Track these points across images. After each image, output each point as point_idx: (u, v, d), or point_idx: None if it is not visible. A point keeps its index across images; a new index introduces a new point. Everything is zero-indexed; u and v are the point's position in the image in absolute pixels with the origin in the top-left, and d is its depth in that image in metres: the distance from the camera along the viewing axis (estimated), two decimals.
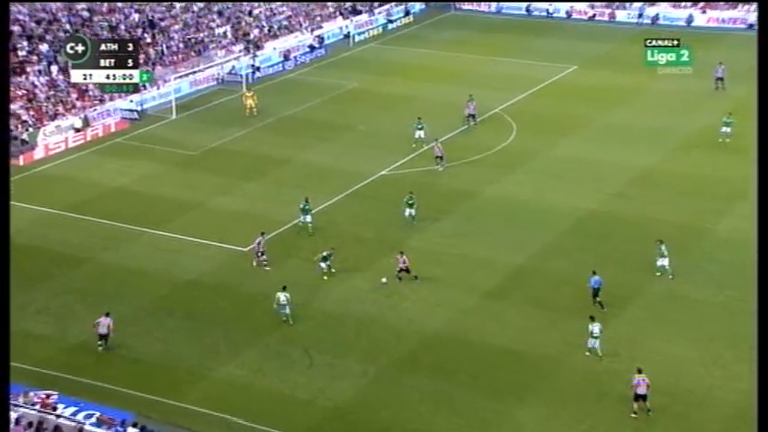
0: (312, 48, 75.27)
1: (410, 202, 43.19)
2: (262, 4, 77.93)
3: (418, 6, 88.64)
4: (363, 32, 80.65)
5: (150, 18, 68.77)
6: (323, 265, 38.91)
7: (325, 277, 38.55)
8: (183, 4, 72.93)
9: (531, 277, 39.06)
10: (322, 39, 77.06)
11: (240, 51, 70.18)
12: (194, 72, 65.95)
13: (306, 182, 48.68)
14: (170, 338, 34.78)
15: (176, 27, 69.90)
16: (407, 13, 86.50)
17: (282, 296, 35.78)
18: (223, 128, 57.46)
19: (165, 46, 67.03)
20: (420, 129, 53.59)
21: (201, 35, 70.54)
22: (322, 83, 67.41)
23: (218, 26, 72.67)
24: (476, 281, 38.56)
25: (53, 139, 54.51)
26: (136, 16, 68.16)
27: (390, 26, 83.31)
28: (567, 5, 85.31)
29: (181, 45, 68.35)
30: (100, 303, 35.24)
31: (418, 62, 72.70)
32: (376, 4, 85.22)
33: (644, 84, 63.03)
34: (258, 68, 69.41)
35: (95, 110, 58.84)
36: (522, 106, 61.54)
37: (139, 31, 67.08)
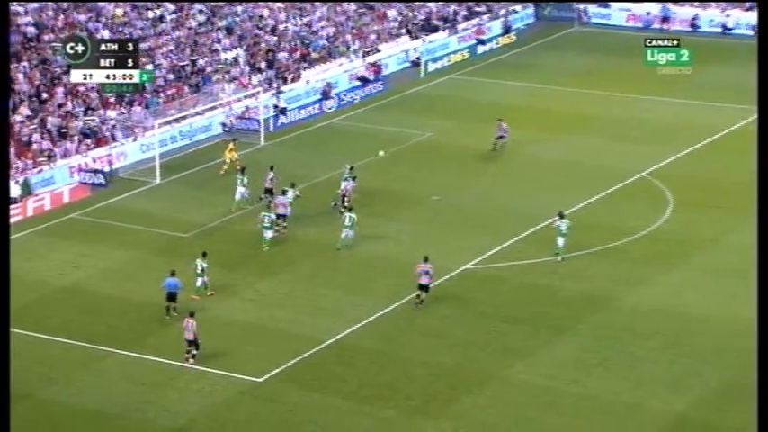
0: (364, 81, 76.15)
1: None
2: (291, 16, 79.24)
3: (524, 20, 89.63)
4: (440, 58, 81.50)
5: (127, 35, 69.85)
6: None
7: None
8: (175, 16, 74.47)
9: None
10: (379, 67, 77.98)
11: (258, 85, 71.23)
12: (188, 116, 66.85)
13: (351, 279, 48.75)
14: None
15: (164, 50, 71.17)
16: (507, 31, 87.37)
17: (199, 264, 45.51)
18: (230, 198, 57.78)
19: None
20: None
21: (201, 61, 71.75)
22: (378, 132, 67.85)
23: (225, 48, 73.85)
24: None
25: None
26: (105, 33, 69.55)
27: (481, 49, 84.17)
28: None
29: (170, 76, 69.47)
30: None
31: (523, 102, 72.74)
32: (461, 17, 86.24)
33: None
34: (284, 111, 70.23)
35: (40, 170, 59.78)
36: (683, 168, 61.09)
37: None
